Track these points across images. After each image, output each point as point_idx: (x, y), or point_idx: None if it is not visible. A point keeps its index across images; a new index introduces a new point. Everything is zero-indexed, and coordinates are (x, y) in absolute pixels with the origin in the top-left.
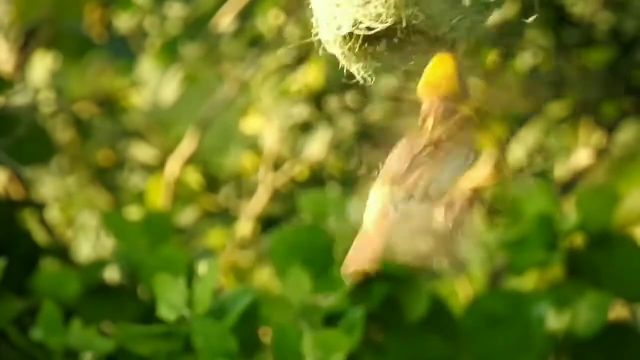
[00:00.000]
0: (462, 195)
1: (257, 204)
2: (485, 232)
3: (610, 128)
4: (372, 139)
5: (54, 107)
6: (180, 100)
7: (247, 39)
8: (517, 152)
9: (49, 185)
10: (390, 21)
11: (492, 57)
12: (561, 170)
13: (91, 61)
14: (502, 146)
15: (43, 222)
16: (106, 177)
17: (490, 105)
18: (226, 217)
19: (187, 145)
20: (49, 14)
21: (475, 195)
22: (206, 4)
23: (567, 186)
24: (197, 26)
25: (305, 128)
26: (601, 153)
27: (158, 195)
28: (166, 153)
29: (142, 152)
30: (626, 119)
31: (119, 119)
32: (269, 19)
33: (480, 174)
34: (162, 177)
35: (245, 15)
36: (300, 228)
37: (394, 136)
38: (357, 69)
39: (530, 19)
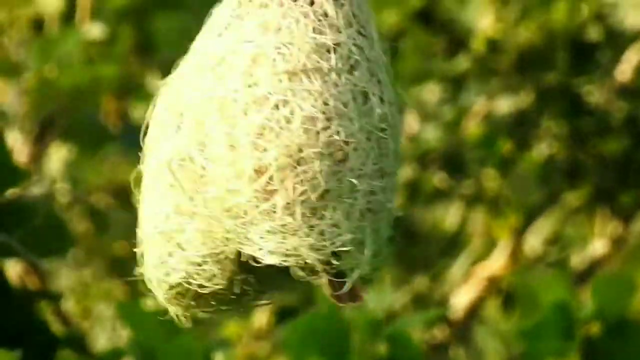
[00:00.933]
0: (478, 283)
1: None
2: (501, 321)
3: (627, 217)
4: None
5: (70, 198)
6: None
7: None
8: (533, 241)
9: (65, 276)
10: (222, 285)
11: (506, 146)
12: (577, 259)
13: (107, 152)
14: (518, 235)
15: (59, 313)
16: (122, 267)
17: (506, 195)
18: None
19: None
20: (64, 105)
21: (492, 284)
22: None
23: (584, 275)
24: None
25: None
26: (617, 242)
27: None
28: None
29: None
30: None
31: (135, 210)
32: None
33: (496, 263)
34: None
35: None
36: (316, 316)
37: None
38: (176, 312)
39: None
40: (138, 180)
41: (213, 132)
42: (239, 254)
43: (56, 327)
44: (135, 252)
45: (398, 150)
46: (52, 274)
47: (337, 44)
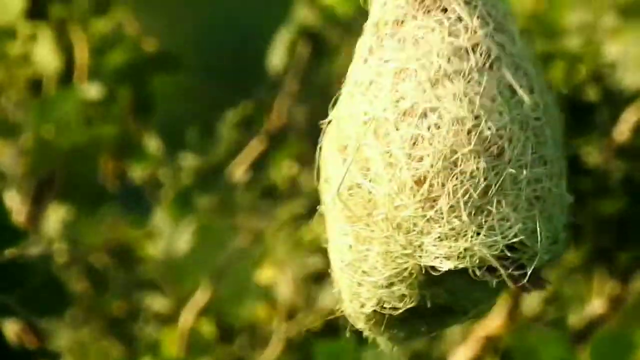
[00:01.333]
0: (476, 342)
1: (271, 354)
2: None
3: (625, 277)
4: None
5: (68, 258)
6: (194, 250)
7: (260, 189)
8: (531, 300)
9: (63, 336)
10: (414, 302)
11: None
12: (575, 319)
13: (105, 212)
14: (516, 294)
15: None
16: (120, 327)
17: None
18: None
19: (201, 296)
20: (62, 165)
21: (490, 343)
22: (219, 154)
23: (582, 335)
24: (211, 177)
25: (319, 278)
26: (615, 302)
27: (173, 346)
28: (180, 303)
29: (156, 302)
30: None
31: (133, 270)
32: (283, 170)
33: (494, 322)
34: (177, 328)
35: (259, 165)
36: None
37: None
38: (383, 341)
39: None
40: (321, 219)
41: (372, 154)
42: (420, 267)
43: None
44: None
45: (558, 137)
46: (50, 333)
47: (476, 44)
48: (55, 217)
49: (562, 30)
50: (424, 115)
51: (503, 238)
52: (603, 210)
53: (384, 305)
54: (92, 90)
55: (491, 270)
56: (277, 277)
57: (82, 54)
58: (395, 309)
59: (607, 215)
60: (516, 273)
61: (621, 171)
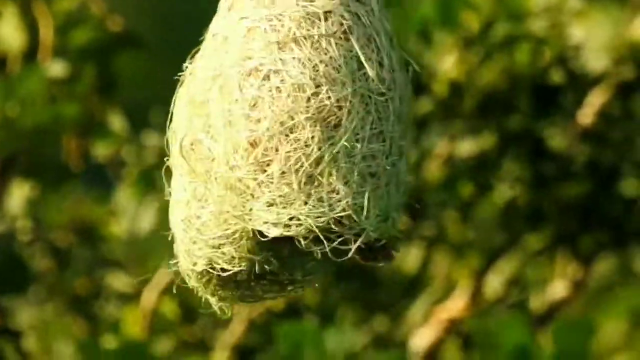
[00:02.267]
0: (438, 325)
1: (233, 334)
2: None
3: (587, 260)
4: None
5: (31, 236)
6: (157, 229)
7: None
8: (494, 283)
9: (26, 313)
10: (243, 265)
11: (468, 189)
12: (537, 302)
13: (69, 190)
14: (479, 277)
15: (19, 350)
16: (83, 306)
17: (467, 237)
18: (202, 347)
19: (164, 275)
20: (26, 143)
21: (451, 325)
22: None
23: (544, 318)
24: None
25: None
26: (578, 285)
27: (135, 325)
28: (143, 282)
29: (119, 281)
30: (603, 252)
31: (96, 248)
32: None
33: (456, 304)
34: (139, 307)
35: None
36: (276, 357)
37: None
38: (213, 301)
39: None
40: (169, 173)
41: (214, 111)
42: (249, 231)
43: None
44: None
45: (404, 114)
46: (13, 311)
47: (329, 12)
48: (19, 194)
49: (527, 13)
50: (267, 77)
51: (331, 210)
52: (566, 194)
53: (214, 266)
54: (57, 68)
55: (317, 241)
56: None
57: (46, 32)
58: (224, 270)
59: (570, 199)
60: (344, 247)
61: (585, 155)
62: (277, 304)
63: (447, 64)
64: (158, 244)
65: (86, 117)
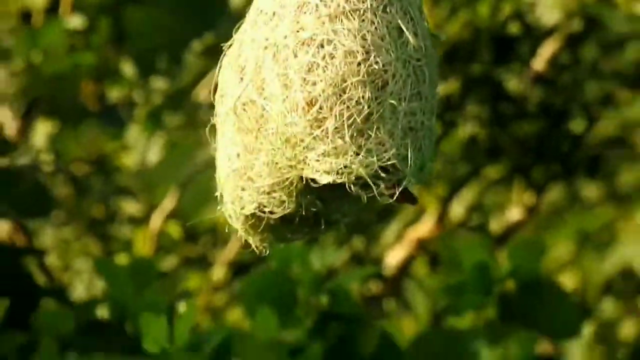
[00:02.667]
0: (409, 244)
1: (230, 251)
2: (428, 278)
3: (539, 189)
4: None
5: (53, 167)
6: (163, 162)
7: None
8: (458, 208)
9: (48, 235)
10: (291, 208)
11: (436, 127)
12: (496, 225)
13: (86, 127)
14: (445, 203)
15: (43, 267)
16: (98, 228)
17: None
18: (203, 263)
19: (169, 201)
20: (49, 87)
21: (420, 245)
22: (187, 78)
23: (501, 239)
24: (179, 97)
25: None
26: (531, 210)
27: (144, 244)
28: (151, 208)
29: (130, 206)
30: (553, 181)
31: (110, 178)
32: None
33: (425, 227)
34: (148, 229)
35: None
36: (268, 273)
37: None
38: (255, 241)
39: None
40: (213, 130)
41: (269, 76)
42: (301, 178)
43: (40, 279)
44: (109, 214)
45: (434, 77)
46: (37, 232)
47: None
48: (42, 131)
49: None
50: (321, 45)
51: (378, 160)
52: (522, 131)
53: (263, 210)
54: (75, 22)
55: (365, 186)
56: None
57: None
58: (272, 213)
59: (525, 135)
60: (386, 192)
61: (538, 97)
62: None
63: None
64: (164, 174)
65: (101, 64)
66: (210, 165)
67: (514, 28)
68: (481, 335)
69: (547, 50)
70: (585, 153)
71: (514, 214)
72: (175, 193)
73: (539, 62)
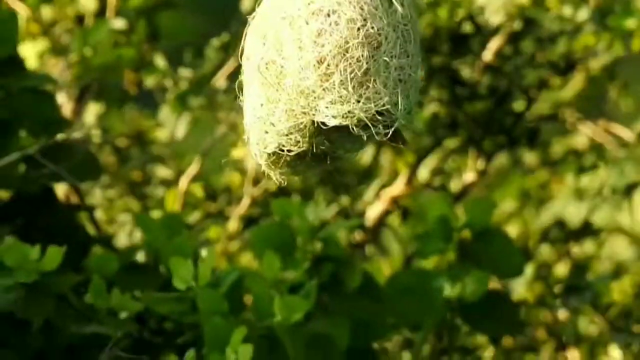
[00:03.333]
0: (385, 202)
1: (242, 208)
2: (400, 228)
3: (489, 156)
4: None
5: (100, 140)
6: (189, 136)
7: (235, 93)
8: (424, 172)
9: (97, 195)
10: (305, 146)
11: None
12: (454, 186)
13: (127, 108)
14: (413, 168)
15: (93, 220)
16: (137, 189)
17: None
18: (221, 217)
19: (194, 167)
20: (97, 76)
21: (395, 202)
22: (207, 68)
23: (459, 197)
24: (201, 84)
25: None
26: (482, 174)
27: (174, 202)
28: (179, 172)
29: (162, 171)
30: (499, 151)
31: (147, 149)
32: None
33: (398, 188)
34: (177, 190)
35: (234, 77)
36: (272, 225)
37: None
38: (275, 175)
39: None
40: (241, 86)
41: (287, 40)
42: (313, 122)
43: (91, 230)
44: (146, 178)
45: (418, 38)
46: (88, 193)
47: None
48: (92, 111)
49: None
50: (328, 15)
51: (375, 106)
52: (474, 110)
53: (282, 149)
54: (119, 23)
55: (365, 127)
56: (247, 154)
57: None
58: (290, 151)
59: (477, 113)
60: (382, 131)
61: (487, 82)
62: (272, 187)
63: None
64: (189, 145)
65: (139, 57)
66: (225, 139)
67: (467, 27)
68: (444, 274)
69: (493, 44)
70: (525, 127)
71: (469, 176)
72: (198, 161)
73: (488, 54)
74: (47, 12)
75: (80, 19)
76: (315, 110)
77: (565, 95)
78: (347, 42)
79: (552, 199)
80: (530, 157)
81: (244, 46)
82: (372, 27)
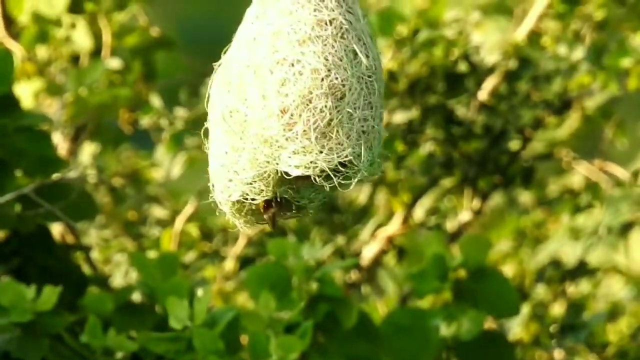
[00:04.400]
0: (381, 241)
1: (238, 248)
2: (396, 267)
3: (484, 195)
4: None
5: (96, 180)
6: (184, 176)
7: None
8: (419, 212)
9: (93, 234)
10: (269, 195)
11: (401, 146)
12: (450, 225)
13: (122, 148)
14: (409, 208)
15: (89, 260)
16: (133, 229)
17: (401, 180)
18: (217, 257)
19: (189, 207)
20: (93, 116)
21: (390, 241)
22: (202, 108)
23: (454, 236)
24: (196, 123)
25: None
26: (478, 213)
27: (169, 242)
28: (175, 212)
29: (158, 211)
30: (495, 190)
31: (142, 188)
32: None
33: (393, 227)
34: (172, 229)
35: None
36: (268, 265)
37: None
38: (240, 223)
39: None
40: (207, 133)
41: (250, 89)
42: (276, 172)
43: (86, 270)
44: (142, 218)
45: (381, 90)
46: (83, 232)
47: (333, 19)
48: (87, 151)
49: (442, 23)
50: (292, 65)
51: (338, 157)
52: (470, 149)
53: (246, 197)
54: (114, 63)
55: (327, 178)
56: None
57: (107, 37)
58: (253, 199)
59: (472, 152)
60: (344, 182)
61: (482, 121)
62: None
63: (385, 59)
64: (185, 185)
65: (135, 97)
66: None
67: (462, 66)
68: (439, 314)
69: (489, 84)
70: (520, 166)
71: (464, 216)
72: (194, 201)
73: (483, 93)
74: (42, 51)
75: (75, 59)
76: (279, 159)
77: (560, 135)
78: (310, 92)
79: (547, 239)
80: (525, 197)
81: (210, 93)
82: (336, 78)
